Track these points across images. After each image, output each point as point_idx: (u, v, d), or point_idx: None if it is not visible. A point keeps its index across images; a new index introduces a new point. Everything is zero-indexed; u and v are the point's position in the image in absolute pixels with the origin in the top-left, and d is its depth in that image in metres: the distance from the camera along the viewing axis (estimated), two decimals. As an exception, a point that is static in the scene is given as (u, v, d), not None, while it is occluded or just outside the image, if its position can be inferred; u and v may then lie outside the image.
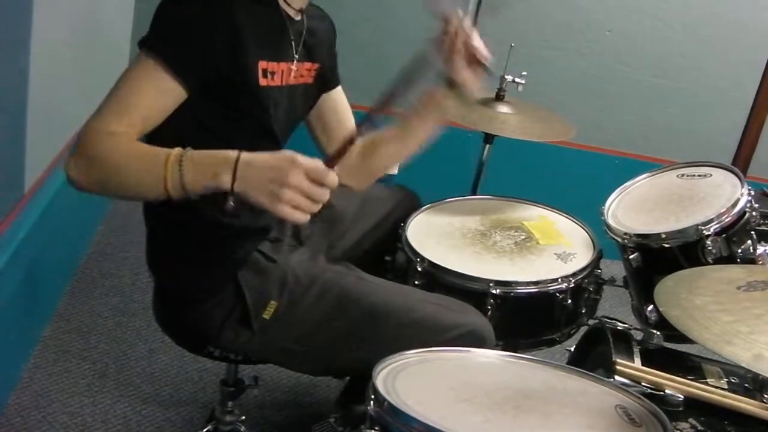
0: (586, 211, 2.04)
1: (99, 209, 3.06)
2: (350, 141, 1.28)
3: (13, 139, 1.85)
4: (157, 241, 1.55)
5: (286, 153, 1.23)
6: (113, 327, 2.43)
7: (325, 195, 1.23)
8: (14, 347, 2.10)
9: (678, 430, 1.38)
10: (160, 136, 1.34)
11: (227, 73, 1.36)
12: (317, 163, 1.23)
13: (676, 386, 1.46)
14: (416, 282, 1.74)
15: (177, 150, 1.24)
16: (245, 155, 1.22)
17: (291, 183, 1.20)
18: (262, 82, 1.42)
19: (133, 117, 1.29)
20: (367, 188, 1.82)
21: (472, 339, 1.54)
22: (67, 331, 2.37)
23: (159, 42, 1.32)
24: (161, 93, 1.32)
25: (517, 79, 2.30)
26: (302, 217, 1.23)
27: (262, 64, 1.41)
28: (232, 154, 1.22)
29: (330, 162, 1.25)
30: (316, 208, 1.24)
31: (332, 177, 1.23)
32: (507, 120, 2.23)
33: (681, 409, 1.43)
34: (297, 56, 1.52)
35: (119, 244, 2.88)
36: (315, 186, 1.22)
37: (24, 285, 1.97)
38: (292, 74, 1.51)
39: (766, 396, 1.47)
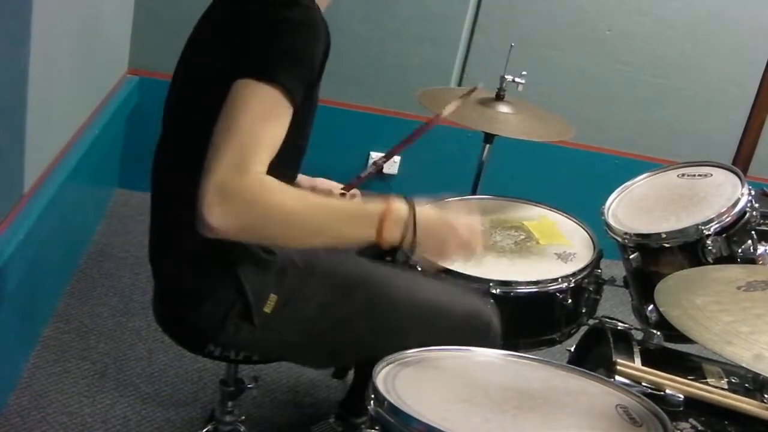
0: (586, 211, 2.03)
1: (99, 209, 3.06)
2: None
3: (13, 139, 1.85)
4: (161, 240, 1.55)
5: (453, 218, 1.36)
6: (113, 327, 2.43)
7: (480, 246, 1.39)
8: (14, 347, 2.09)
9: (678, 430, 1.38)
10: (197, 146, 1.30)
11: (313, 86, 1.39)
12: (474, 235, 1.37)
13: (676, 386, 1.46)
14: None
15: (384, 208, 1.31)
16: (420, 219, 1.32)
17: (454, 243, 1.35)
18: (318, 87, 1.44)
19: (268, 151, 1.27)
20: None
21: (478, 322, 1.54)
22: (67, 331, 2.37)
23: (277, 73, 1.28)
24: (285, 122, 1.31)
25: (517, 79, 2.30)
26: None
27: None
28: (409, 218, 1.31)
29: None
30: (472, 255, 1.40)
31: (480, 248, 1.38)
32: (507, 120, 2.22)
33: (681, 409, 1.43)
34: None
35: (119, 244, 2.88)
36: (471, 241, 1.37)
37: (24, 285, 1.97)
38: None
39: (766, 396, 1.47)
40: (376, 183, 3.38)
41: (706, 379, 1.54)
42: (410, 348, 1.34)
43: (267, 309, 1.48)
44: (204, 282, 1.48)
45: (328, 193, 1.80)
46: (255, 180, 1.22)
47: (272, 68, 1.29)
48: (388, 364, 1.28)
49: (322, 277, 1.52)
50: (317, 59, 1.34)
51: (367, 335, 1.51)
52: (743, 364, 0.98)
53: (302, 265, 1.53)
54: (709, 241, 1.66)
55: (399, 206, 1.31)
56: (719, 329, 1.03)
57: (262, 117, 1.27)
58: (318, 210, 1.29)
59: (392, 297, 1.54)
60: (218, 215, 1.19)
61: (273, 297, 1.49)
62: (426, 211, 1.34)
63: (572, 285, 1.76)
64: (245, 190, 1.21)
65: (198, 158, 1.31)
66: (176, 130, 1.49)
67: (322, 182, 1.82)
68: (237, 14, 1.40)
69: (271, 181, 1.25)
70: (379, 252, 1.86)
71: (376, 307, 1.52)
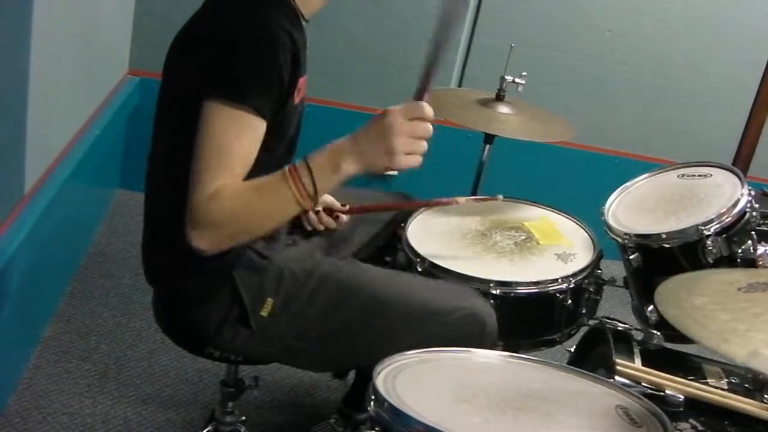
0: (586, 211, 2.03)
1: (99, 210, 3.06)
2: (429, 72, 1.35)
3: (13, 140, 1.85)
4: (156, 246, 1.55)
5: (379, 114, 1.32)
6: (113, 328, 2.43)
7: (429, 128, 1.34)
8: (14, 348, 2.10)
9: (678, 430, 1.38)
10: (183, 156, 1.35)
11: (283, 96, 1.39)
12: (408, 104, 1.32)
13: (676, 386, 1.46)
14: (415, 277, 1.73)
15: (291, 167, 1.32)
16: (346, 138, 1.33)
17: (398, 132, 1.30)
18: (296, 99, 1.44)
19: (237, 168, 1.33)
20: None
21: (473, 322, 1.54)
22: (68, 331, 2.37)
23: (242, 91, 1.32)
24: (254, 137, 1.35)
25: (517, 80, 2.30)
26: (418, 160, 1.35)
27: (300, 82, 1.44)
28: (340, 144, 1.33)
29: (418, 95, 1.36)
30: (426, 145, 1.35)
31: (427, 107, 1.33)
32: (507, 120, 2.22)
33: (681, 409, 1.43)
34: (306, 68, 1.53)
35: (119, 244, 2.88)
36: (418, 123, 1.32)
37: (24, 285, 1.97)
38: (304, 88, 1.51)
39: (766, 396, 1.48)
40: (377, 183, 3.38)
41: (706, 379, 1.54)
42: (406, 351, 1.34)
43: (264, 313, 1.49)
44: (200, 284, 1.48)
45: (330, 205, 1.79)
46: (214, 201, 1.30)
47: (238, 89, 1.32)
48: (388, 365, 1.28)
49: (319, 282, 1.53)
50: (284, 69, 1.36)
51: (364, 339, 1.51)
52: (738, 361, 0.98)
53: (299, 270, 1.53)
54: (709, 242, 1.66)
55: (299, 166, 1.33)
56: (716, 327, 1.02)
57: (231, 137, 1.32)
58: (256, 202, 1.33)
59: (389, 301, 1.54)
60: (196, 240, 1.31)
61: (270, 301, 1.49)
62: (356, 130, 1.35)
63: (572, 285, 1.76)
64: (209, 215, 1.30)
65: (186, 162, 1.32)
66: (163, 133, 1.50)
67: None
68: (204, 28, 1.43)
69: (228, 190, 1.30)
70: (378, 253, 1.87)
71: (372, 311, 1.53)
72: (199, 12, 1.48)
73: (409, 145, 1.32)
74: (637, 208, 1.91)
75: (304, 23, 1.48)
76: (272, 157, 1.45)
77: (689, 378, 1.51)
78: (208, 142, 1.31)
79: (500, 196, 1.94)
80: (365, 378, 1.28)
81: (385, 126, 1.31)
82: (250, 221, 1.34)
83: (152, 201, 1.54)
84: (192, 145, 1.33)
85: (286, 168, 1.33)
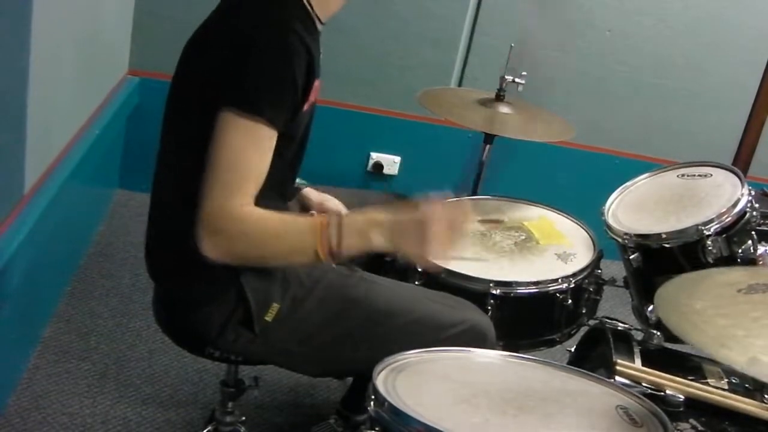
0: (586, 211, 2.03)
1: (99, 209, 3.06)
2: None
3: (13, 140, 1.85)
4: (160, 245, 1.55)
5: (425, 210, 1.35)
6: (113, 328, 2.43)
7: (465, 228, 1.40)
8: (14, 348, 2.09)
9: (679, 430, 1.38)
10: (193, 161, 1.35)
11: (296, 104, 1.39)
12: (454, 210, 1.38)
13: (676, 386, 1.46)
14: (416, 282, 1.73)
15: (323, 218, 1.35)
16: (388, 216, 1.36)
17: (434, 235, 1.34)
18: (306, 105, 1.44)
19: (253, 182, 1.34)
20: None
21: (473, 335, 1.54)
22: (67, 332, 2.37)
23: (257, 103, 1.32)
24: (268, 148, 1.36)
25: (517, 79, 2.30)
26: (449, 254, 1.39)
27: (313, 87, 1.43)
28: (378, 216, 1.36)
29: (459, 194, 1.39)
30: (459, 242, 1.39)
31: (466, 207, 1.38)
32: (507, 120, 2.23)
33: (681, 409, 1.43)
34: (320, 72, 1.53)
35: (119, 244, 2.88)
36: (455, 221, 1.37)
37: (24, 285, 1.97)
38: (317, 92, 1.51)
39: (766, 396, 1.48)
40: (377, 183, 3.39)
41: (706, 379, 1.54)
42: None
43: (268, 317, 1.49)
44: (206, 286, 1.48)
45: (338, 213, 1.79)
46: (238, 217, 1.31)
47: (254, 100, 1.32)
48: (388, 365, 1.28)
49: (325, 291, 1.53)
50: (299, 76, 1.36)
51: (364, 350, 1.52)
52: (737, 368, 0.98)
53: (306, 277, 1.53)
54: (709, 242, 1.66)
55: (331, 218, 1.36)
56: (715, 333, 1.02)
57: (245, 150, 1.33)
58: (279, 234, 1.36)
59: (392, 313, 1.54)
60: (208, 248, 1.32)
61: (275, 306, 1.49)
62: (400, 211, 1.37)
63: (572, 285, 1.76)
64: (229, 227, 1.32)
65: (196, 164, 1.32)
66: (173, 134, 1.50)
67: (334, 202, 1.81)
68: (221, 31, 1.42)
69: (252, 213, 1.32)
70: (378, 253, 1.87)
71: (376, 322, 1.53)
72: (212, 15, 1.47)
73: (443, 241, 1.36)
74: (637, 208, 1.91)
75: (320, 27, 1.48)
76: (283, 161, 1.45)
77: (689, 378, 1.51)
78: (223, 154, 1.32)
79: (505, 218, 1.95)
80: (363, 381, 1.28)
81: (422, 219, 1.35)
82: (267, 251, 1.37)
83: (159, 201, 1.54)
84: (202, 151, 1.33)
85: (317, 220, 1.35)
